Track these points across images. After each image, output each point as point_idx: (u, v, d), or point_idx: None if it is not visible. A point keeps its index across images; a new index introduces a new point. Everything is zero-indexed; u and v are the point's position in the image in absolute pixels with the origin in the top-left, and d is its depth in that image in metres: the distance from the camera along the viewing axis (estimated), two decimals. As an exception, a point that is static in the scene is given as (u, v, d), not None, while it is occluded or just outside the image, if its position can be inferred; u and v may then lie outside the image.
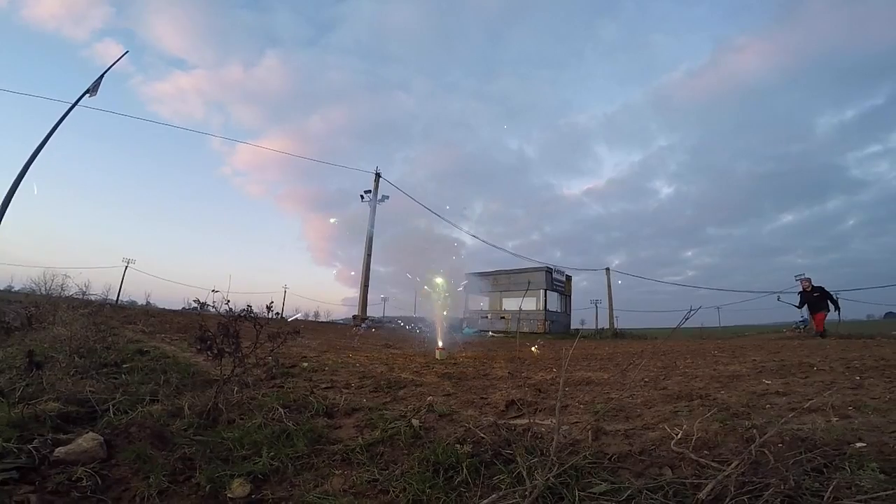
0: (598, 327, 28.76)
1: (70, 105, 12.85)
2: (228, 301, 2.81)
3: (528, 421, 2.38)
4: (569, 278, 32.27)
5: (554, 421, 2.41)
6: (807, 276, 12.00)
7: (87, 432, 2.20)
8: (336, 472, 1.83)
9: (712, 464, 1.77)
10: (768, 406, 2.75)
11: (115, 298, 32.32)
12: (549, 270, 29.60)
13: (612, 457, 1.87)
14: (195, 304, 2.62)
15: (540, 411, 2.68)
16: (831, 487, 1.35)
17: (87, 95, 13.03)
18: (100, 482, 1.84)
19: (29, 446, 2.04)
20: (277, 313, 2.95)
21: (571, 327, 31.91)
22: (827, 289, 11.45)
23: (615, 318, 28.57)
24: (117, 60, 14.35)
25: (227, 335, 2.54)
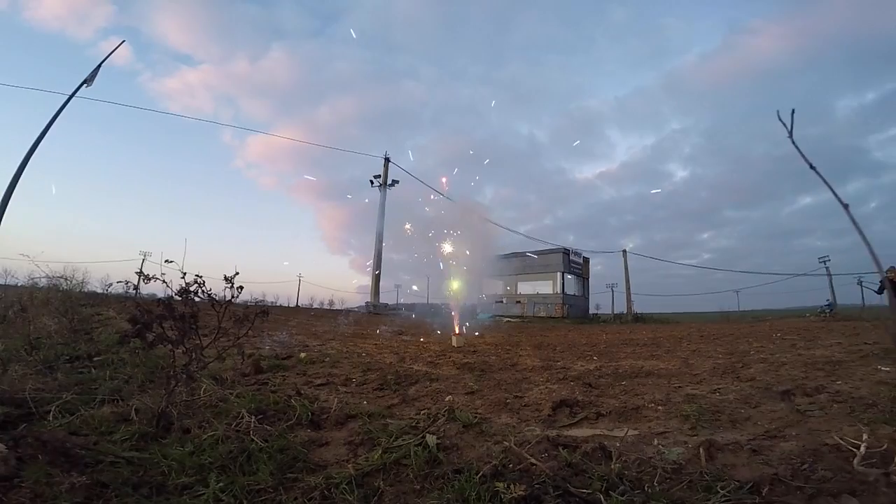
0: (615, 312, 27.61)
1: (67, 97, 12.43)
2: (185, 274, 2.13)
3: (592, 432, 1.67)
4: (586, 260, 31.09)
5: (628, 430, 1.69)
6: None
7: (-6, 443, 1.60)
8: (308, 524, 1.17)
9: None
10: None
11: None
12: (566, 252, 28.46)
13: (750, 486, 1.17)
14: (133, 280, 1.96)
15: (601, 416, 1.95)
16: None
17: (84, 86, 12.66)
18: (-14, 510, 1.24)
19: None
20: (240, 288, 2.27)
21: (589, 312, 30.85)
22: None
23: (632, 303, 27.32)
24: (114, 50, 13.82)
25: (172, 317, 1.88)
